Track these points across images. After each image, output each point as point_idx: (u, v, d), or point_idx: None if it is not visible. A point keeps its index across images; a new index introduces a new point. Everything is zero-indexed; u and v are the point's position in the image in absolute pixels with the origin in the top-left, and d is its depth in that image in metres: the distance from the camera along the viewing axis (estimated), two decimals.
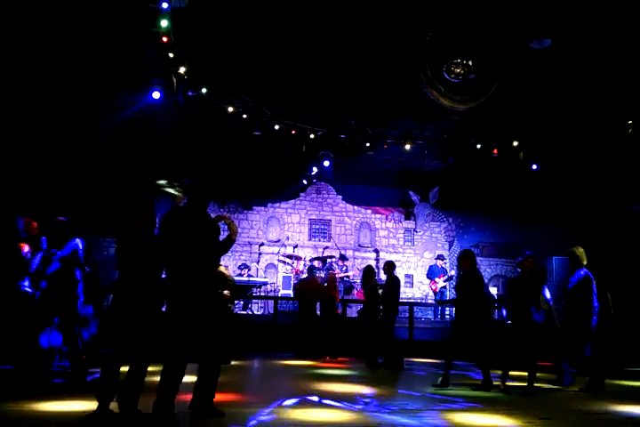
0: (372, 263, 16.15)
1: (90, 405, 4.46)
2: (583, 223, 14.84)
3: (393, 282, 8.59)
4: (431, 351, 10.06)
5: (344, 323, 10.31)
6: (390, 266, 8.77)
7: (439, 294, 13.40)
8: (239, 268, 13.26)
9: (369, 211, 16.99)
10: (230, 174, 14.75)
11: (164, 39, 9.99)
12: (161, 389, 3.85)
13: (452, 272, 14.12)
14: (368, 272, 9.10)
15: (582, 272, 6.77)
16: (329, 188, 16.90)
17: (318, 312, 9.98)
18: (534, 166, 14.05)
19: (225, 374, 6.27)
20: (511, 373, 6.29)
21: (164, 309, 4.15)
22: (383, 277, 10.39)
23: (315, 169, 15.72)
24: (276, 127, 13.07)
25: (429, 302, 14.93)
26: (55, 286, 5.64)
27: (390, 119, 13.53)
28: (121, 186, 14.89)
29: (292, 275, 13.74)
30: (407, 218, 17.26)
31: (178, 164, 14.05)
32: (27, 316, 5.73)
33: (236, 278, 12.41)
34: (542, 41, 9.73)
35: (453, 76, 9.82)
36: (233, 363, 7.69)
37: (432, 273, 13.72)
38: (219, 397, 4.47)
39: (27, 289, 5.87)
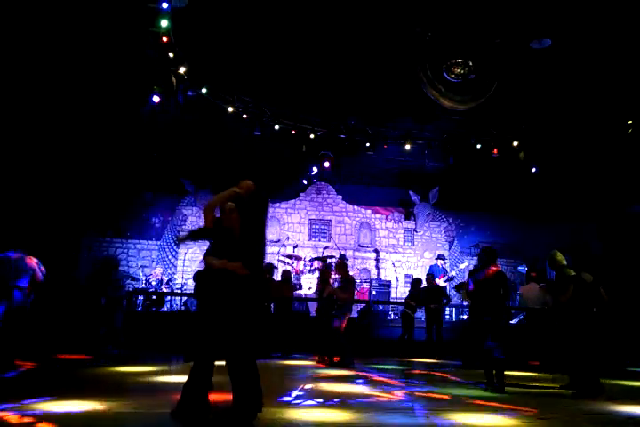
0: (373, 263, 16.23)
1: (90, 405, 4.47)
2: (583, 223, 14.84)
3: (348, 281, 8.52)
4: (431, 351, 10.08)
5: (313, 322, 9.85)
6: (343, 266, 8.73)
7: None
8: None
9: (369, 211, 16.98)
10: (230, 174, 14.74)
11: (164, 39, 10.01)
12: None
13: (453, 273, 14.12)
14: (324, 271, 8.99)
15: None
16: (329, 188, 16.90)
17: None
18: (534, 169, 14.07)
19: (223, 375, 6.29)
20: (511, 373, 6.27)
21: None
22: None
23: (315, 169, 15.71)
24: (276, 127, 13.08)
25: None
26: None
27: (390, 119, 13.54)
28: (121, 186, 14.94)
29: (292, 275, 13.72)
30: (407, 218, 17.24)
31: (178, 164, 14.09)
32: None
33: None
34: (542, 41, 9.75)
35: (453, 76, 9.82)
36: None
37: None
38: (216, 396, 4.48)
39: None
